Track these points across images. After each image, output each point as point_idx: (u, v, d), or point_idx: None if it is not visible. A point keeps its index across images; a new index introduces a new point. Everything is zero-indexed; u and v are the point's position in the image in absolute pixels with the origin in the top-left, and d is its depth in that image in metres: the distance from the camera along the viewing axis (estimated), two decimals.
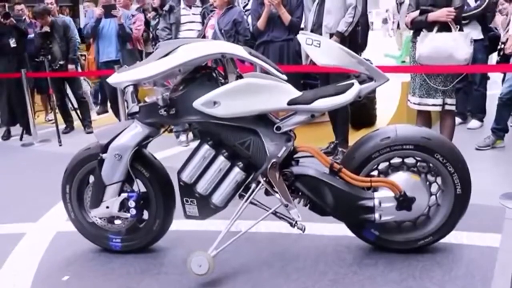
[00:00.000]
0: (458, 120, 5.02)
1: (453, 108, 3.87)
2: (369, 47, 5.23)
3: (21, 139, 6.43)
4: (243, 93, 2.48)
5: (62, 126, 6.64)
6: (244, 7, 5.80)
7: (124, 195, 2.73)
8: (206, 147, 2.57)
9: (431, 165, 2.57)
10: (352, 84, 2.50)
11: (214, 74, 2.61)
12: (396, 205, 2.51)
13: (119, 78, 2.59)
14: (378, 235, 2.64)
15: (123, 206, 2.74)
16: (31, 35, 6.75)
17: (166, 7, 5.46)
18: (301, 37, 2.53)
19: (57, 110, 7.04)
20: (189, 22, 5.34)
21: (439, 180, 2.61)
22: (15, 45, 6.45)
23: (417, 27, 3.80)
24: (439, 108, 3.82)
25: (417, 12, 3.76)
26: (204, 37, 5.07)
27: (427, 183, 2.60)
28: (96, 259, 2.86)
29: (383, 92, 4.65)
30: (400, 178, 2.56)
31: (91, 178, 2.83)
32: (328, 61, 2.52)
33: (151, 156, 2.83)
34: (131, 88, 2.51)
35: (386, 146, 2.52)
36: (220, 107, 2.48)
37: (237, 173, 2.56)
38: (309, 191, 2.57)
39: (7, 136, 6.67)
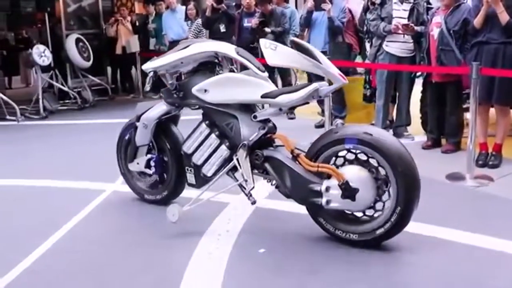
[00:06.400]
0: None
1: None
2: None
3: None
4: (224, 85, 3.08)
5: None
6: None
7: (149, 156, 3.54)
8: (203, 125, 3.23)
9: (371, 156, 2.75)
10: (310, 84, 2.86)
11: (216, 68, 3.23)
12: (341, 194, 2.71)
13: (146, 66, 3.38)
14: None
15: (149, 165, 3.54)
16: (249, 24, 7.26)
17: (378, 0, 5.53)
18: (262, 41, 2.94)
19: None
20: (397, 17, 5.33)
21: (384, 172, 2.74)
22: (224, 30, 7.07)
23: None
24: None
25: None
26: (428, 35, 4.98)
27: (375, 177, 2.75)
28: (288, 236, 3.11)
29: None
30: (348, 170, 2.79)
31: None
32: (279, 62, 2.96)
33: (177, 132, 3.53)
34: (151, 74, 3.28)
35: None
36: (208, 94, 3.11)
37: (223, 151, 3.14)
38: (273, 171, 2.97)
39: None
